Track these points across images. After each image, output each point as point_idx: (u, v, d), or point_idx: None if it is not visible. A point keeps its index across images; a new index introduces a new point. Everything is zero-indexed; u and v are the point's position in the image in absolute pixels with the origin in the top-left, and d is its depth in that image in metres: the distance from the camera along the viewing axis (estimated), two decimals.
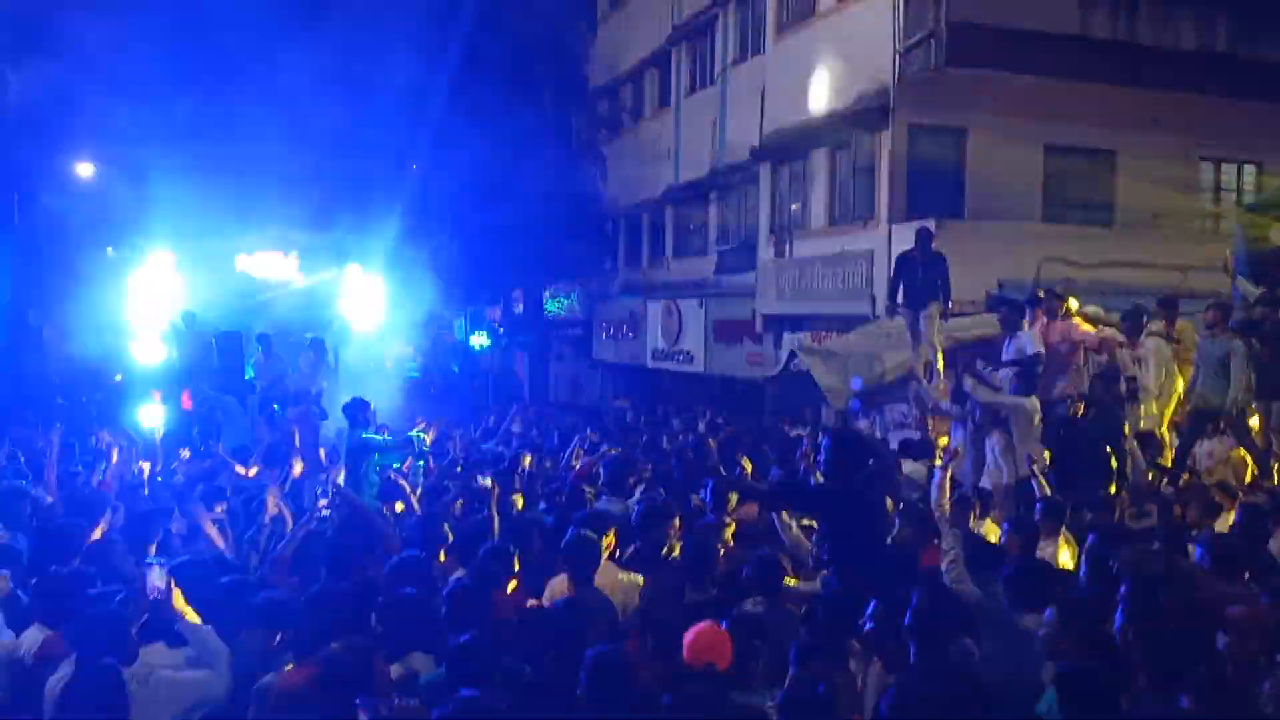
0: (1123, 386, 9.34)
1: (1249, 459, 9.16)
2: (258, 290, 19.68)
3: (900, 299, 11.61)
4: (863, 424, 13.07)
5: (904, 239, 13.51)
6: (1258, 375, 9.14)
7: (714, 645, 4.16)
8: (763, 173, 19.26)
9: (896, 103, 15.49)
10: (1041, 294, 10.45)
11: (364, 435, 9.01)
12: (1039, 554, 6.13)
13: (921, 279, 11.39)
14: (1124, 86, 15.01)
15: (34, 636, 4.59)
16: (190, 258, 18.43)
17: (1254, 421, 9.37)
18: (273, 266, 19.42)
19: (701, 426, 19.18)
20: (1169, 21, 15.16)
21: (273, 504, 7.03)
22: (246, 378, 16.27)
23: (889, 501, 6.12)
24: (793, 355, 14.82)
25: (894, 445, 11.74)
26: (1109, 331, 10.07)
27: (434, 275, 34.46)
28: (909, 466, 8.95)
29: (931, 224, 13.15)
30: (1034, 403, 9.08)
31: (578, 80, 27.57)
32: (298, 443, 10.93)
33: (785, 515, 6.10)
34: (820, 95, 17.15)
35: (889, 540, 5.70)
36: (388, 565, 5.21)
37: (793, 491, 6.41)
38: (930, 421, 11.35)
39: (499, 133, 25.32)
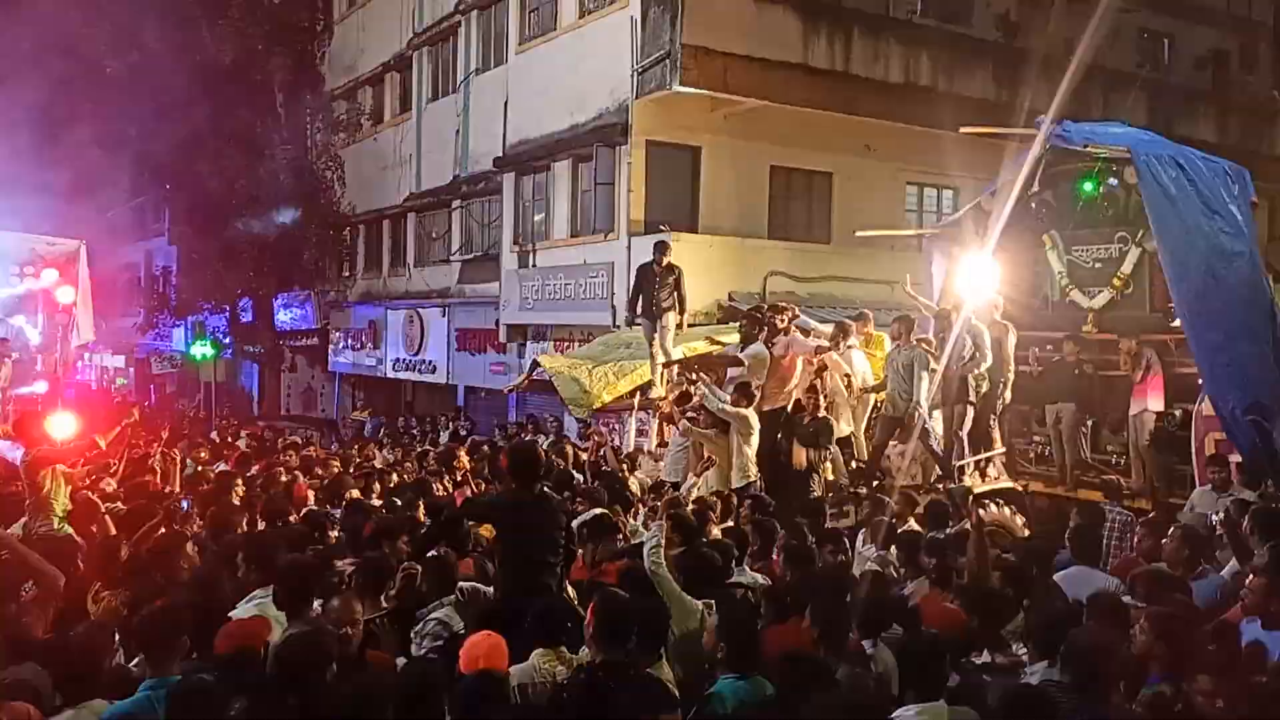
0: (821, 400, 10.11)
1: (931, 460, 10.17)
2: None
3: (639, 309, 11.98)
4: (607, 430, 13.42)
5: (643, 251, 13.92)
6: (942, 383, 10.11)
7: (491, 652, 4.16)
8: (506, 183, 19.27)
9: (635, 120, 15.97)
10: (767, 308, 11.11)
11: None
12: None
13: (658, 290, 11.80)
14: (841, 114, 16.19)
15: None
16: None
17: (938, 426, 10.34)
18: None
19: (444, 436, 19.05)
20: (879, 56, 16.50)
21: None
22: None
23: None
24: (535, 365, 14.90)
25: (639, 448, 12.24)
26: (822, 342, 10.83)
27: (153, 283, 32.14)
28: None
29: (669, 236, 13.68)
30: (754, 413, 9.65)
31: (313, 81, 26.46)
32: None
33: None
34: (563, 108, 17.39)
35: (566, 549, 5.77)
36: None
37: (477, 504, 6.77)
38: (664, 428, 11.82)
39: (227, 131, 23.94)
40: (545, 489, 5.79)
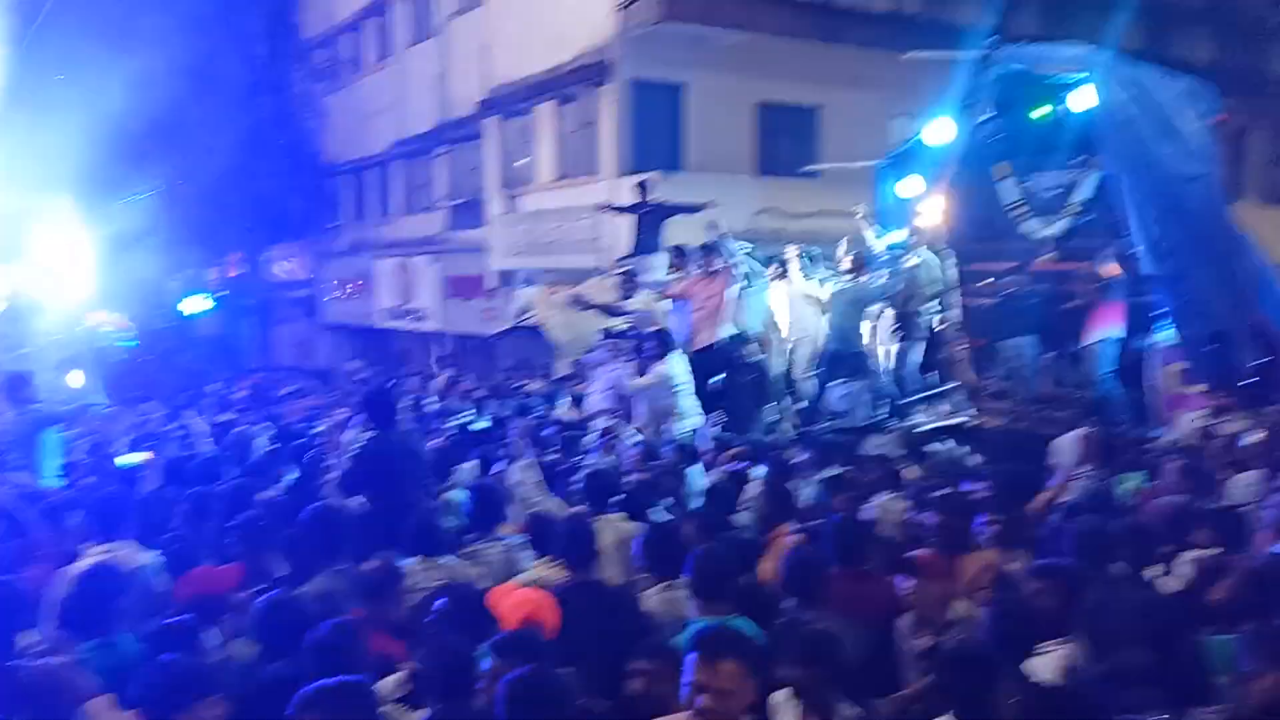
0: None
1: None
2: None
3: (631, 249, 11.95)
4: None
5: (627, 192, 13.76)
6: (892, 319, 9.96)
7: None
8: (488, 127, 18.99)
9: (618, 58, 15.66)
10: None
11: (35, 408, 8.12)
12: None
13: (643, 230, 11.75)
14: (827, 44, 15.85)
15: None
16: None
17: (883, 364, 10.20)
18: None
19: (438, 383, 18.95)
20: None
21: None
22: None
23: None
24: (524, 310, 14.82)
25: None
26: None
27: (146, 237, 31.92)
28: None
29: (655, 177, 13.49)
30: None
31: (291, 29, 25.99)
32: None
33: None
34: (543, 49, 17.04)
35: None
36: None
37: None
38: None
39: (208, 84, 23.56)
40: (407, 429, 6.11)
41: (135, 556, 5.08)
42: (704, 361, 9.67)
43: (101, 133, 22.61)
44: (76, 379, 10.73)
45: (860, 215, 11.04)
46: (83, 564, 5.16)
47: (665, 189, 13.21)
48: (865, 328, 9.92)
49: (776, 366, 10.45)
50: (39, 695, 3.40)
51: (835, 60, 16.20)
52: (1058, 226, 10.24)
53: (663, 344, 9.28)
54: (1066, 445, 7.02)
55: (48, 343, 14.39)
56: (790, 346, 10.85)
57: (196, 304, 27.74)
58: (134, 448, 9.23)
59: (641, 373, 9.19)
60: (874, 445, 8.46)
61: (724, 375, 9.84)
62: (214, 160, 24.48)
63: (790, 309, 10.91)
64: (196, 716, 3.23)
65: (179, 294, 29.44)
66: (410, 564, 4.86)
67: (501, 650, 3.59)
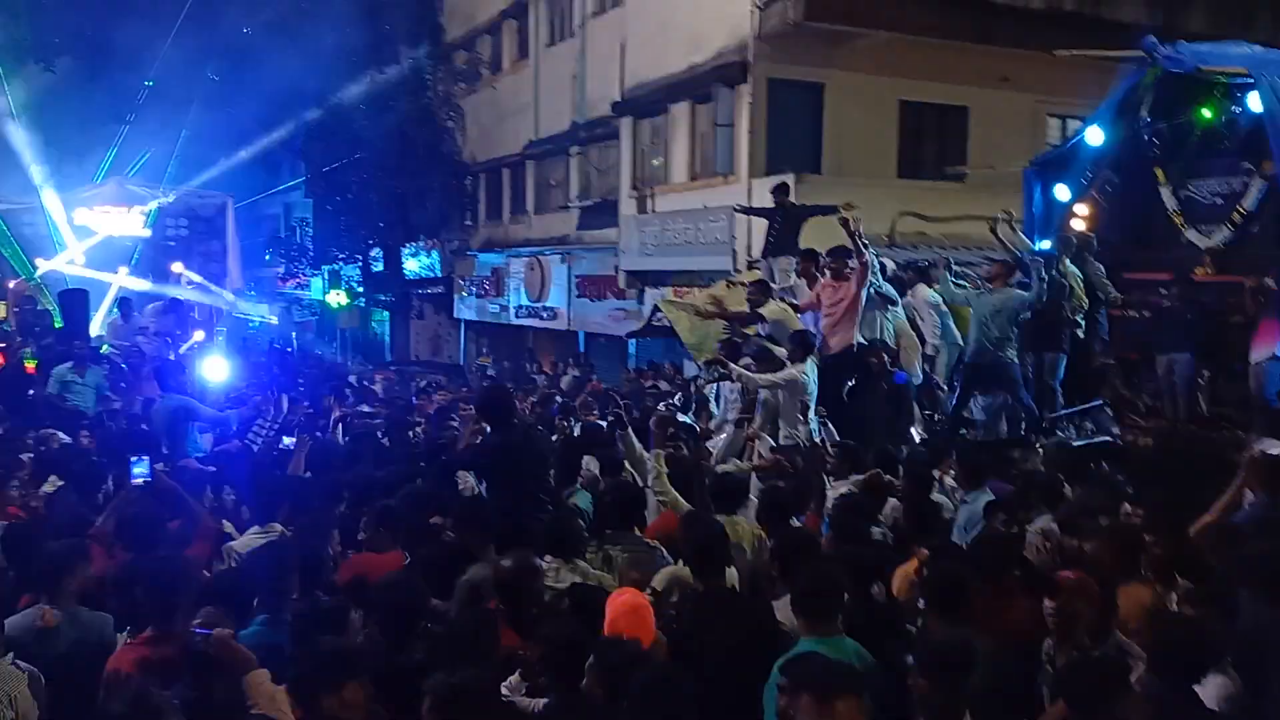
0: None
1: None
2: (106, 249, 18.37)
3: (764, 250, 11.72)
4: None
5: (763, 194, 13.54)
6: (1029, 328, 9.32)
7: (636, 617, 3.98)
8: (624, 127, 18.99)
9: (756, 57, 15.43)
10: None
11: (180, 399, 8.41)
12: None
13: (777, 232, 11.50)
14: (976, 44, 15.28)
15: None
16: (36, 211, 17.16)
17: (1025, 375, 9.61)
18: (116, 222, 18.11)
19: (566, 383, 19.09)
20: None
21: None
22: (93, 338, 15.05)
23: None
24: (656, 310, 14.74)
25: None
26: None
27: (291, 235, 33.29)
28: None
29: (790, 179, 13.22)
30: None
31: (433, 32, 26.65)
32: None
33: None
34: (681, 49, 16.94)
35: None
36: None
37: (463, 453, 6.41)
38: None
39: (354, 88, 24.35)
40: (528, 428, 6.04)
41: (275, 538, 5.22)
42: (835, 368, 9.29)
43: (256, 134, 23.71)
44: (220, 369, 11.10)
45: (1006, 220, 10.51)
46: (237, 545, 5.32)
47: (803, 191, 12.97)
48: (1008, 338, 9.40)
49: (913, 376, 10.02)
50: (206, 664, 3.53)
51: (985, 58, 15.62)
52: (1219, 236, 9.51)
53: (803, 346, 8.96)
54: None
55: (198, 333, 15.04)
56: (928, 356, 10.41)
57: (337, 298, 28.73)
58: (280, 435, 9.51)
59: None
60: (1019, 460, 8.01)
61: (855, 383, 9.42)
62: (359, 160, 25.33)
63: (929, 317, 10.48)
64: (343, 697, 3.29)
65: (322, 288, 30.60)
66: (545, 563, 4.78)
67: (600, 654, 3.58)
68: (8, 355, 12.71)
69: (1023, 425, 9.40)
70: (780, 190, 12.03)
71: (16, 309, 15.40)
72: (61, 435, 8.50)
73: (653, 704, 3.25)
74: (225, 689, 3.52)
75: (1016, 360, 9.22)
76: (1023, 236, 10.35)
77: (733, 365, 8.86)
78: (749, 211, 13.00)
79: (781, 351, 9.17)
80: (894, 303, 10.02)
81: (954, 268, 10.33)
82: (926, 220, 14.94)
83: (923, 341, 10.42)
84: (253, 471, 6.57)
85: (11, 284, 16.04)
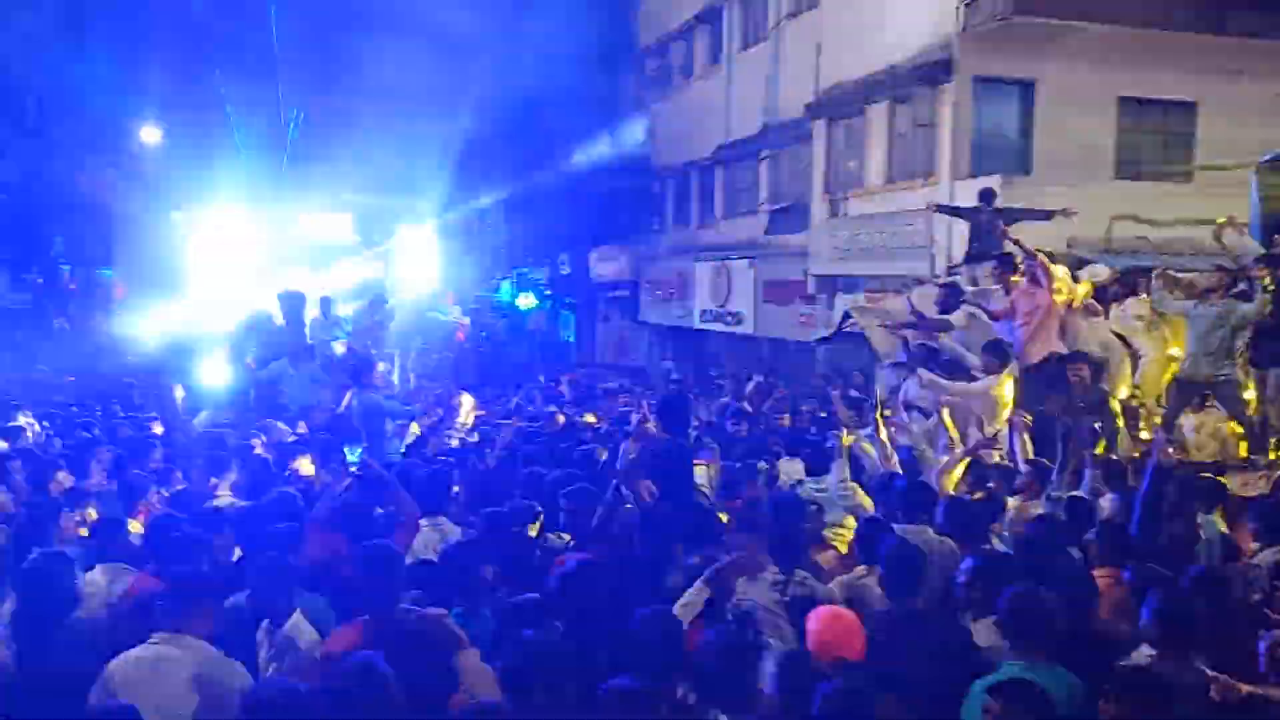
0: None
1: (1238, 432, 8.55)
2: (318, 252, 19.59)
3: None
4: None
5: (966, 197, 12.98)
6: (1256, 341, 8.50)
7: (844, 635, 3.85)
8: (817, 130, 18.63)
9: (960, 54, 14.81)
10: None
11: (374, 397, 8.66)
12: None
13: (980, 236, 11.01)
14: (1205, 34, 14.17)
15: None
16: (253, 220, 18.45)
17: (1249, 394, 8.72)
18: (329, 228, 19.29)
19: (750, 389, 18.83)
20: None
21: (306, 466, 6.75)
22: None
23: None
24: (847, 316, 14.34)
25: None
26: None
27: (482, 237, 34.49)
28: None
29: (996, 182, 12.61)
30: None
31: (626, 39, 27.01)
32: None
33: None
34: (879, 49, 16.44)
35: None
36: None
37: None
38: None
39: (547, 94, 24.94)
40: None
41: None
42: (1032, 381, 8.70)
43: (454, 138, 24.65)
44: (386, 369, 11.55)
45: (1232, 225, 9.62)
46: (430, 535, 5.42)
47: (1010, 194, 12.32)
48: (1228, 353, 8.57)
49: (1120, 392, 9.27)
50: (422, 640, 3.69)
51: (1214, 50, 14.45)
52: None
53: (999, 357, 8.45)
54: None
55: (398, 331, 15.67)
56: (1138, 370, 9.63)
57: (527, 300, 29.50)
58: (471, 431, 9.75)
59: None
60: (1240, 485, 7.27)
61: (1056, 396, 8.75)
62: (553, 167, 25.93)
63: (1142, 329, 9.72)
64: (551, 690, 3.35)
65: (511, 291, 31.50)
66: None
67: (784, 666, 3.56)
68: None
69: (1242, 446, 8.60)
70: (986, 196, 11.51)
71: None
72: (280, 425, 8.99)
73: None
74: (437, 667, 3.65)
75: (1235, 377, 8.46)
76: (1253, 242, 9.47)
77: (923, 371, 8.49)
78: (948, 211, 12.46)
79: (974, 361, 8.72)
80: (1098, 314, 9.39)
81: (1171, 276, 9.58)
82: (1146, 224, 13.94)
83: (1136, 356, 9.69)
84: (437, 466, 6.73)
85: None
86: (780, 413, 11.92)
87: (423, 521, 5.38)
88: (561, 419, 10.96)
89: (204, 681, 3.60)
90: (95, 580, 4.73)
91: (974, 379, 8.49)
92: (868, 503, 6.14)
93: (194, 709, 3.54)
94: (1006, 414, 8.02)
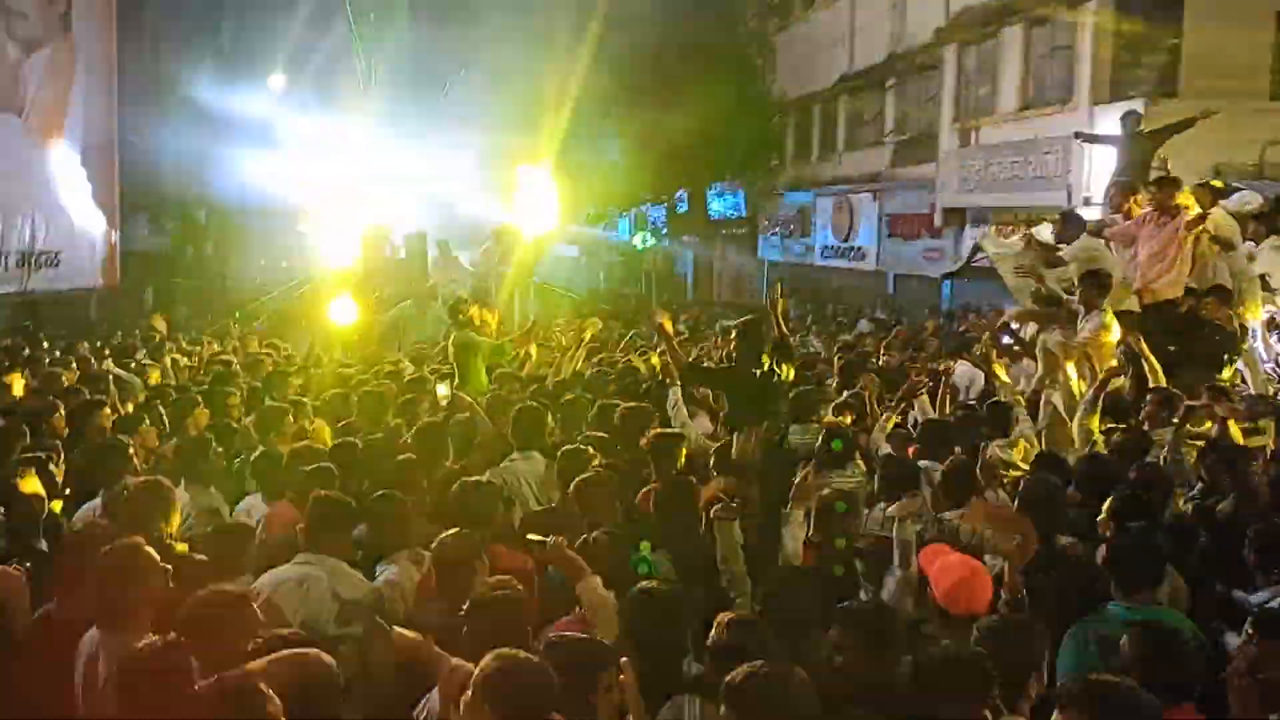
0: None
1: None
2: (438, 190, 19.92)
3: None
4: None
5: (1106, 123, 12.32)
6: None
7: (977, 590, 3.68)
8: (947, 55, 17.95)
9: None
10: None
11: (467, 333, 8.70)
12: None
13: (1124, 164, 10.37)
14: None
15: None
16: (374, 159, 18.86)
17: None
18: (448, 165, 19.57)
19: (864, 325, 18.23)
20: None
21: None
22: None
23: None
24: (976, 249, 13.88)
25: None
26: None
27: (599, 175, 34.47)
28: None
29: (1140, 105, 11.92)
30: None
31: None
32: None
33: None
34: None
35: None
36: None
37: (698, 370, 6.72)
38: None
39: (666, 27, 24.58)
40: (774, 368, 5.70)
41: None
42: (1156, 321, 8.01)
43: (573, 77, 24.59)
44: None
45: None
46: None
47: (1156, 119, 11.60)
48: None
49: (1260, 338, 8.62)
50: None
51: None
52: None
53: (1098, 287, 7.59)
54: None
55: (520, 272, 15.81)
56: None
57: (643, 239, 29.45)
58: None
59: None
60: None
61: (1183, 341, 8.06)
62: (670, 103, 25.59)
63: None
64: None
65: (628, 229, 31.50)
66: None
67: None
68: None
69: None
70: (1129, 119, 10.84)
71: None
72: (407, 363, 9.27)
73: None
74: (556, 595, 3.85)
75: None
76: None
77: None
78: (1091, 139, 11.85)
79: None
80: (1231, 247, 8.68)
81: None
82: None
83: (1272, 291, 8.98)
84: None
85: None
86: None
87: None
88: None
89: (339, 593, 3.91)
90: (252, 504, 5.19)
91: (1074, 314, 7.95)
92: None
93: (335, 615, 3.85)
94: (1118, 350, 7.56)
